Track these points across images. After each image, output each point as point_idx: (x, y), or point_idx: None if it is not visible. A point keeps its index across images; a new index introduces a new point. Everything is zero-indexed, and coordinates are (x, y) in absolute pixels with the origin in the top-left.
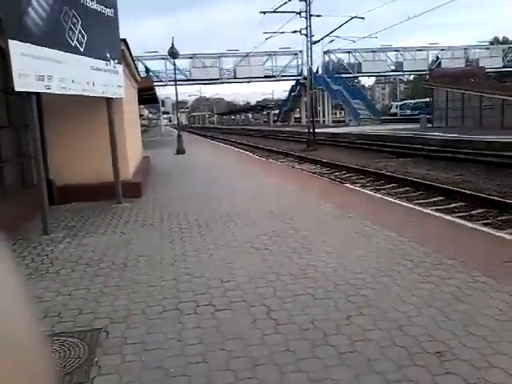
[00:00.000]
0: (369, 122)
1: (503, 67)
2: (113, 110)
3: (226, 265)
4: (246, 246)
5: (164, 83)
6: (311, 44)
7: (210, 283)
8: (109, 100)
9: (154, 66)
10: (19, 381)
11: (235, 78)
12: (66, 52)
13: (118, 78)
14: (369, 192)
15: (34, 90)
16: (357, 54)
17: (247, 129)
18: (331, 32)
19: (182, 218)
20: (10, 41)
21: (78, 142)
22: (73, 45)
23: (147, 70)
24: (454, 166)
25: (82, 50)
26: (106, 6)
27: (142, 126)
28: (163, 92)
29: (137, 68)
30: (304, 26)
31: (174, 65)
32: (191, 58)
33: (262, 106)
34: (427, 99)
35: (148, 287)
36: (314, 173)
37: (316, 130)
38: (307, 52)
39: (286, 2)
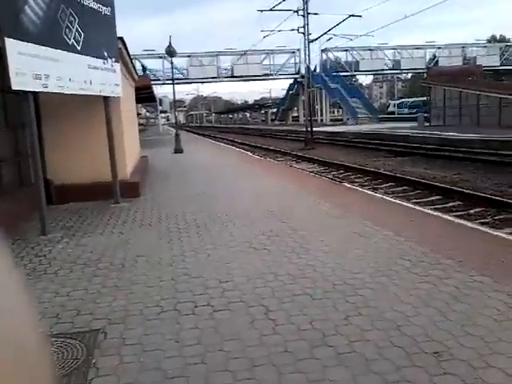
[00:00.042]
0: (366, 120)
1: (500, 65)
2: (110, 109)
3: (224, 265)
4: (244, 246)
5: (161, 82)
6: (309, 42)
7: (208, 283)
8: (106, 99)
9: (152, 64)
10: (19, 381)
11: (233, 76)
12: (63, 50)
13: (116, 76)
14: (368, 191)
15: (31, 89)
16: (354, 52)
17: (245, 128)
18: (329, 30)
19: (180, 218)
20: (6, 39)
21: (76, 141)
22: (70, 43)
23: (144, 68)
24: (451, 165)
25: (79, 48)
26: (102, 5)
27: (140, 124)
28: (161, 91)
29: (134, 66)
30: (301, 25)
31: (172, 63)
32: (189, 56)
33: (259, 105)
34: (425, 98)
35: (146, 288)
36: (312, 172)
37: (314, 129)
38: (305, 50)
39: (283, 0)
